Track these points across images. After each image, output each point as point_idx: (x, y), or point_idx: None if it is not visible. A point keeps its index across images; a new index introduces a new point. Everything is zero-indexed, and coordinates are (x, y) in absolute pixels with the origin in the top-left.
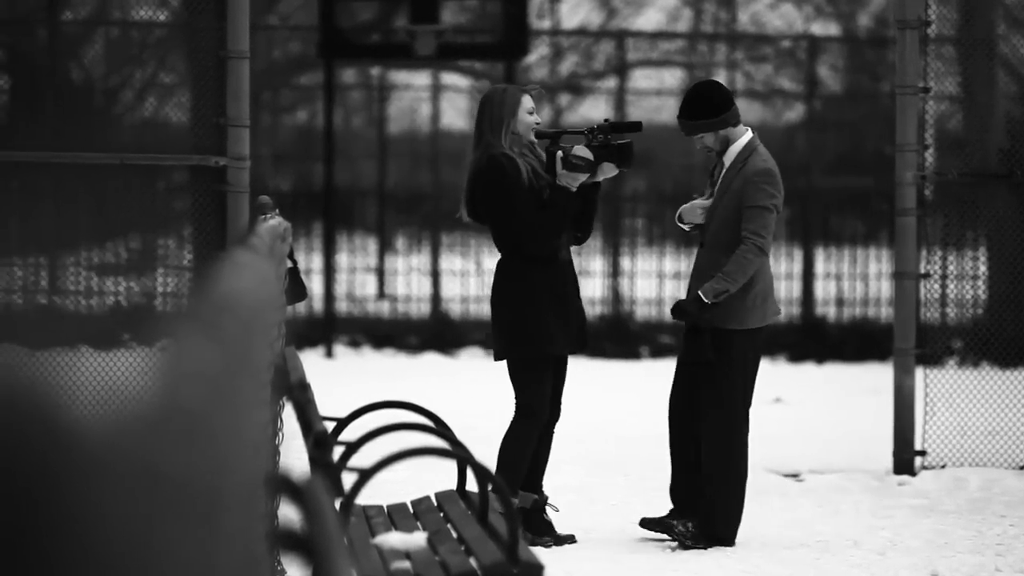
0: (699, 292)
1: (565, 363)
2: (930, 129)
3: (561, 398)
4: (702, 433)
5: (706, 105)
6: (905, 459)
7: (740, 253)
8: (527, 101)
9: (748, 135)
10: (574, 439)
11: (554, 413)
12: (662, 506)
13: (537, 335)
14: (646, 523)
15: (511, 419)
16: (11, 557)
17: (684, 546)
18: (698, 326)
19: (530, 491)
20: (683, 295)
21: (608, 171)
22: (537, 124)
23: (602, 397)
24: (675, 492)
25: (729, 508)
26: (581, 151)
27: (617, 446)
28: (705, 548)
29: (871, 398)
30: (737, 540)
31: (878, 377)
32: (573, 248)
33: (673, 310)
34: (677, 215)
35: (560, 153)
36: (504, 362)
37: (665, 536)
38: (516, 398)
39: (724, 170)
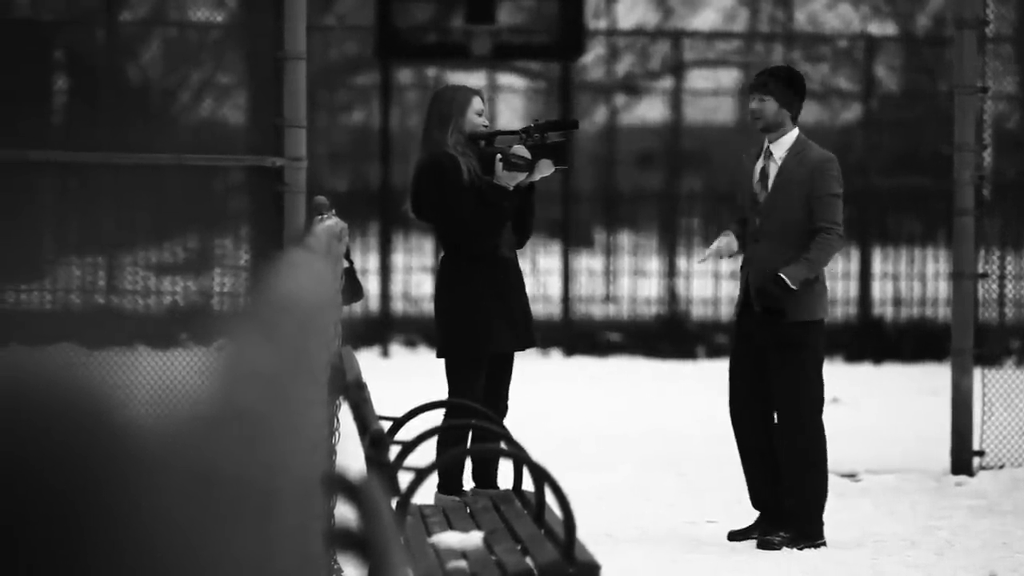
0: (782, 275)
1: (511, 361)
2: (988, 129)
3: (508, 395)
4: (779, 431)
5: (788, 78)
6: (963, 459)
7: (824, 240)
8: (476, 102)
9: (797, 132)
10: (629, 438)
11: (500, 410)
12: (717, 506)
13: (477, 333)
14: (735, 536)
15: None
16: (69, 555)
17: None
18: (775, 310)
19: (489, 487)
20: (738, 295)
21: (544, 169)
22: (485, 126)
23: (658, 396)
24: (757, 499)
25: (816, 503)
26: (520, 150)
27: (672, 445)
28: (802, 548)
29: (929, 398)
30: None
31: (936, 377)
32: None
33: (758, 294)
34: (715, 250)
35: (499, 155)
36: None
37: (738, 540)
38: (449, 396)
39: (778, 166)
